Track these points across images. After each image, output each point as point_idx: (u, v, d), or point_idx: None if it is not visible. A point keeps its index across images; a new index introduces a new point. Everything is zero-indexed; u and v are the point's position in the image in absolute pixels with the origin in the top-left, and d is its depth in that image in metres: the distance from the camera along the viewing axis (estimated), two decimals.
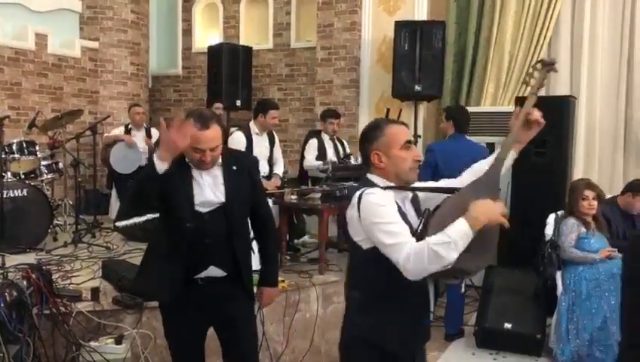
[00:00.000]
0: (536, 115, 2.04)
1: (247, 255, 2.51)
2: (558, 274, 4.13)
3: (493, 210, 1.80)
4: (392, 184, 1.98)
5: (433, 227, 1.82)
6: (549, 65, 2.16)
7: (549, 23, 5.97)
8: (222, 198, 2.37)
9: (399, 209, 1.91)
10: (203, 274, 2.37)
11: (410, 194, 2.06)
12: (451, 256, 1.73)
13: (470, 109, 6.17)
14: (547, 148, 5.18)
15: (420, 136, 6.23)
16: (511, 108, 5.70)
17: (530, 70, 2.21)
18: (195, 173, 2.35)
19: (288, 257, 4.44)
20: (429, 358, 4.10)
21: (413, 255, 1.77)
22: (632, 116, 5.84)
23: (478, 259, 1.84)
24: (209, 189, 2.36)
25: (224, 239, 2.37)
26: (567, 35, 6.08)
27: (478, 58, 6.34)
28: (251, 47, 7.74)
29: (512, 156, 2.12)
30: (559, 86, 6.05)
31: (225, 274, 2.39)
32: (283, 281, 3.73)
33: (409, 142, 2.01)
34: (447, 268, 1.76)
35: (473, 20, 6.34)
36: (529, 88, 2.32)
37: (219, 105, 6.74)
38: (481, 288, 4.76)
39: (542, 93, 6.07)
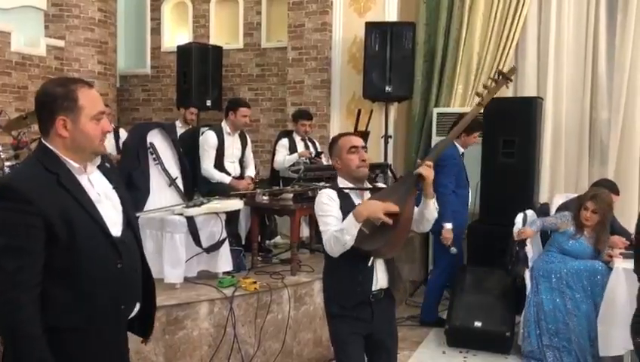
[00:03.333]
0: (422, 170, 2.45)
1: None
2: (527, 273, 4.20)
3: (374, 208, 2.34)
4: (347, 183, 2.60)
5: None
6: (506, 78, 2.59)
7: (517, 26, 6.07)
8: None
9: (347, 203, 2.51)
10: None
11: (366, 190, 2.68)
12: (345, 239, 2.33)
13: (439, 110, 6.27)
14: (515, 149, 5.27)
15: (390, 137, 6.27)
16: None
17: (489, 82, 2.55)
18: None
19: (260, 258, 4.41)
20: (401, 357, 4.15)
21: (327, 239, 2.43)
22: (597, 117, 5.98)
23: (376, 243, 2.38)
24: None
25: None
26: (534, 37, 6.18)
27: (447, 59, 6.41)
28: (221, 47, 7.66)
29: (429, 203, 2.52)
30: (526, 87, 6.15)
31: None
32: (255, 283, 3.71)
33: (354, 147, 2.58)
34: (346, 247, 2.35)
35: (442, 22, 6.40)
36: (478, 98, 2.64)
37: (193, 110, 6.67)
38: (451, 287, 4.82)
39: (510, 93, 6.21)
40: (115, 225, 1.82)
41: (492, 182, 5.28)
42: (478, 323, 4.30)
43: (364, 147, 2.61)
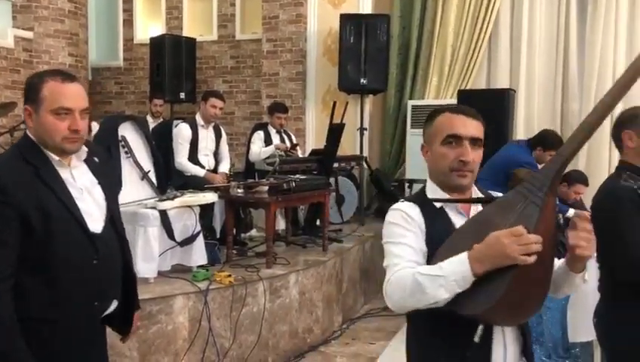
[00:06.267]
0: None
1: None
2: None
3: (504, 251, 1.32)
4: (440, 190, 1.62)
5: (440, 253, 1.47)
6: None
7: (490, 18, 6.13)
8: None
9: (439, 224, 1.56)
10: None
11: (477, 205, 1.63)
12: (438, 294, 1.37)
13: (414, 102, 6.31)
14: (487, 140, 5.30)
15: (366, 129, 6.29)
16: (454, 100, 5.82)
17: None
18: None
19: (235, 251, 4.38)
20: (377, 347, 4.19)
21: (395, 279, 1.46)
22: (568, 109, 6.07)
23: (485, 298, 1.35)
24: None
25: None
26: (506, 30, 6.25)
27: (421, 51, 6.44)
28: (195, 39, 7.59)
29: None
30: (499, 79, 6.23)
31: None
32: (230, 276, 3.69)
33: (453, 136, 1.57)
34: (430, 305, 1.40)
35: (417, 14, 6.43)
36: None
37: (159, 101, 6.59)
38: None
39: (482, 85, 6.27)
40: (95, 221, 1.79)
41: None
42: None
43: (477, 139, 1.58)
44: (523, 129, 6.12)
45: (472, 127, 1.59)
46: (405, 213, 1.58)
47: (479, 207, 1.61)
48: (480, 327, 1.42)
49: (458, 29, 6.25)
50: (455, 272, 1.37)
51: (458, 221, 1.57)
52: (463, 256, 1.38)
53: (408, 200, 1.65)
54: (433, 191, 1.63)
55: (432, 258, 1.49)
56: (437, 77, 6.37)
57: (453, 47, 6.28)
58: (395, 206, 1.64)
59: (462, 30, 6.23)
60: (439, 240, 1.50)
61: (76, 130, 1.72)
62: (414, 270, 1.44)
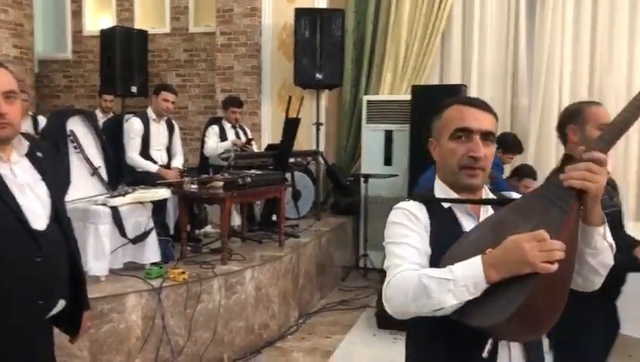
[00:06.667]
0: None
1: None
2: None
3: (525, 257, 1.19)
4: (449, 190, 1.50)
5: (447, 258, 1.34)
6: None
7: (442, 14, 6.22)
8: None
9: (447, 227, 1.44)
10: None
11: (487, 207, 1.51)
12: (445, 299, 1.25)
13: (369, 98, 6.35)
14: None
15: (322, 124, 6.29)
16: (408, 96, 5.90)
17: None
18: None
19: (189, 248, 4.32)
20: (332, 341, 4.21)
21: (396, 281, 1.34)
22: (518, 104, 6.23)
23: (496, 309, 1.23)
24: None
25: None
26: (458, 27, 6.36)
27: (376, 47, 6.49)
28: (147, 31, 7.42)
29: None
30: (452, 75, 6.33)
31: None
32: (184, 273, 3.63)
33: (463, 130, 1.44)
34: (436, 313, 1.28)
35: (371, 9, 6.46)
36: None
37: (109, 96, 6.43)
38: (381, 271, 4.91)
39: (436, 81, 6.37)
40: (38, 218, 1.73)
41: (419, 169, 5.39)
42: None
43: (489, 133, 1.46)
44: None
45: (483, 120, 1.46)
46: (409, 212, 1.46)
47: (490, 209, 1.49)
48: (489, 341, 1.29)
49: (411, 25, 6.32)
50: (466, 277, 1.24)
51: (467, 223, 1.45)
52: (477, 261, 1.25)
53: (414, 198, 1.51)
54: (441, 191, 1.51)
55: (436, 262, 1.36)
56: (391, 73, 6.42)
57: (406, 43, 6.35)
58: (399, 204, 1.50)
59: (415, 27, 6.30)
60: (445, 244, 1.36)
61: (0, 114, 1.64)
62: (420, 272, 1.31)
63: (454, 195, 1.49)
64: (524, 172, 4.70)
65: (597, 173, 1.25)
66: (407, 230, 1.43)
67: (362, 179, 5.98)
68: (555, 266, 1.18)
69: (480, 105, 1.49)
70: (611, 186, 2.23)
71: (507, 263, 1.22)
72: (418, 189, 4.93)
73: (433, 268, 1.32)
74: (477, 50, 6.25)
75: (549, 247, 1.19)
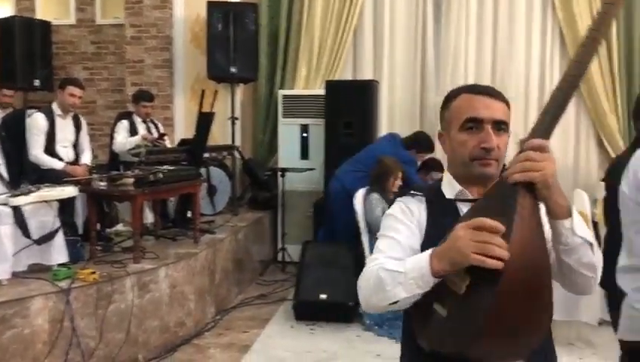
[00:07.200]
0: None
1: None
2: (366, 244, 4.46)
3: (456, 244, 1.15)
4: (454, 184, 1.44)
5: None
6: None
7: (355, 10, 6.33)
8: None
9: (447, 225, 1.29)
10: None
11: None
12: (397, 292, 1.23)
13: (284, 92, 6.38)
14: (354, 129, 5.55)
15: (237, 118, 6.26)
16: (322, 91, 5.98)
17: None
18: None
19: (100, 247, 4.18)
20: (250, 335, 4.22)
21: (364, 273, 1.33)
22: (427, 99, 6.48)
23: (466, 327, 1.12)
24: None
25: None
26: (370, 23, 6.50)
27: (290, 41, 6.52)
28: (50, 22, 7.05)
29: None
30: (364, 70, 6.47)
31: None
32: (94, 273, 3.52)
33: (473, 120, 1.37)
34: (391, 308, 1.27)
35: (284, 4, 6.48)
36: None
37: (8, 91, 6.06)
38: (298, 263, 4.97)
39: (349, 76, 6.49)
40: None
41: (334, 162, 5.50)
42: (323, 296, 4.49)
43: (502, 123, 1.38)
44: (387, 118, 6.43)
45: (495, 108, 1.38)
46: (405, 205, 1.44)
47: None
48: None
49: (324, 21, 6.40)
50: (414, 269, 1.22)
51: None
52: (427, 252, 1.23)
53: (418, 190, 1.47)
54: (449, 186, 1.44)
55: None
56: (306, 67, 6.48)
57: (320, 39, 6.42)
58: (400, 198, 1.48)
59: (328, 22, 6.38)
60: (440, 240, 1.26)
61: None
62: (380, 265, 1.30)
63: (458, 188, 1.43)
64: (431, 165, 4.91)
65: (539, 161, 1.18)
66: (398, 223, 1.42)
67: (279, 173, 6.01)
68: (494, 262, 1.09)
69: (490, 92, 1.42)
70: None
71: (446, 251, 1.18)
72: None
73: (392, 261, 1.30)
74: (388, 46, 6.43)
75: (483, 238, 1.11)
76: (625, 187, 1.70)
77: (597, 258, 1.28)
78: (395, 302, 1.25)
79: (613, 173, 2.25)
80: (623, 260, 1.76)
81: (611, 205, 1.77)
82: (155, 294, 3.85)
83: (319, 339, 4.14)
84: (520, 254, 1.12)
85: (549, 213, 1.23)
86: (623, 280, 1.74)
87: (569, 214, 1.22)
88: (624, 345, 1.75)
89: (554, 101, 1.27)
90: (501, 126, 1.38)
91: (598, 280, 1.30)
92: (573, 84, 1.26)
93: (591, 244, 1.25)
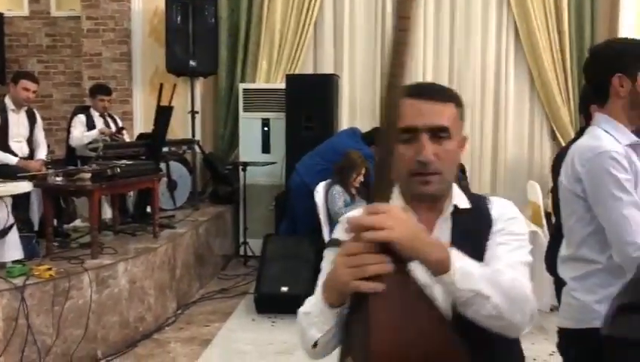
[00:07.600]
0: None
1: None
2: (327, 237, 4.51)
3: (336, 273, 1.06)
4: (401, 200, 1.28)
5: None
6: None
7: (315, 4, 6.35)
8: None
9: None
10: None
11: (445, 223, 1.28)
12: (312, 334, 1.16)
13: (244, 86, 6.36)
14: (314, 123, 5.59)
15: (197, 112, 6.22)
16: (283, 85, 5.99)
17: None
18: None
19: (56, 244, 4.11)
20: (211, 329, 4.22)
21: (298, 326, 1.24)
22: None
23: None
24: None
25: None
26: (330, 17, 6.53)
27: (251, 35, 6.50)
28: (2, 14, 6.86)
29: None
30: (325, 65, 6.50)
31: None
32: (50, 269, 3.46)
33: (407, 130, 1.19)
34: (316, 355, 1.20)
35: None
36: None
37: None
38: (259, 257, 4.99)
39: (310, 70, 6.51)
40: None
41: (296, 156, 5.53)
42: (284, 289, 4.52)
43: (439, 129, 1.21)
44: (347, 111, 6.48)
45: (431, 113, 1.21)
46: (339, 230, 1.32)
47: (449, 223, 1.26)
48: None
49: (285, 15, 6.40)
50: (316, 306, 1.14)
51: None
52: (319, 286, 1.15)
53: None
54: (395, 200, 1.23)
55: None
56: (267, 61, 6.47)
57: (281, 33, 6.42)
58: (330, 247, 1.32)
59: (289, 16, 6.38)
60: None
61: None
62: (301, 309, 1.21)
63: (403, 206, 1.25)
64: None
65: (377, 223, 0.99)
66: (325, 258, 1.32)
67: (241, 168, 6.00)
68: (374, 285, 0.98)
69: (427, 93, 1.24)
70: (461, 171, 2.41)
71: (330, 281, 1.09)
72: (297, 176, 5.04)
73: (307, 302, 1.22)
74: (348, 41, 6.48)
75: (355, 263, 1.01)
76: (564, 178, 1.78)
77: (509, 302, 1.09)
78: (315, 345, 1.16)
79: (558, 165, 2.35)
80: (563, 250, 1.84)
81: (557, 196, 1.87)
82: (114, 289, 3.82)
83: (280, 332, 4.17)
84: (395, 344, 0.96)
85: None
86: (563, 270, 1.83)
87: (445, 270, 1.06)
88: (561, 331, 1.83)
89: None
90: (440, 133, 1.21)
91: (528, 316, 1.13)
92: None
93: (487, 298, 1.07)
